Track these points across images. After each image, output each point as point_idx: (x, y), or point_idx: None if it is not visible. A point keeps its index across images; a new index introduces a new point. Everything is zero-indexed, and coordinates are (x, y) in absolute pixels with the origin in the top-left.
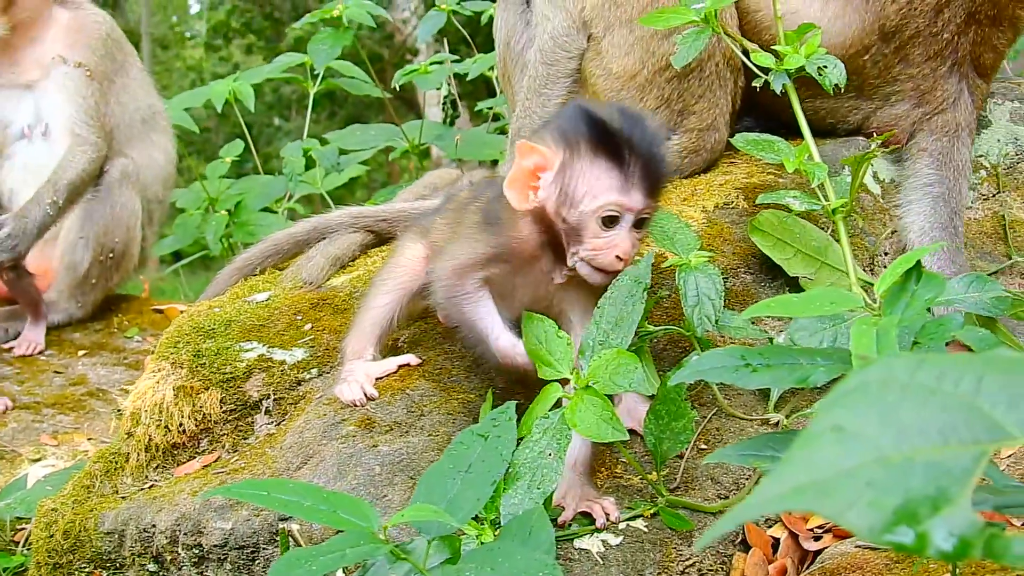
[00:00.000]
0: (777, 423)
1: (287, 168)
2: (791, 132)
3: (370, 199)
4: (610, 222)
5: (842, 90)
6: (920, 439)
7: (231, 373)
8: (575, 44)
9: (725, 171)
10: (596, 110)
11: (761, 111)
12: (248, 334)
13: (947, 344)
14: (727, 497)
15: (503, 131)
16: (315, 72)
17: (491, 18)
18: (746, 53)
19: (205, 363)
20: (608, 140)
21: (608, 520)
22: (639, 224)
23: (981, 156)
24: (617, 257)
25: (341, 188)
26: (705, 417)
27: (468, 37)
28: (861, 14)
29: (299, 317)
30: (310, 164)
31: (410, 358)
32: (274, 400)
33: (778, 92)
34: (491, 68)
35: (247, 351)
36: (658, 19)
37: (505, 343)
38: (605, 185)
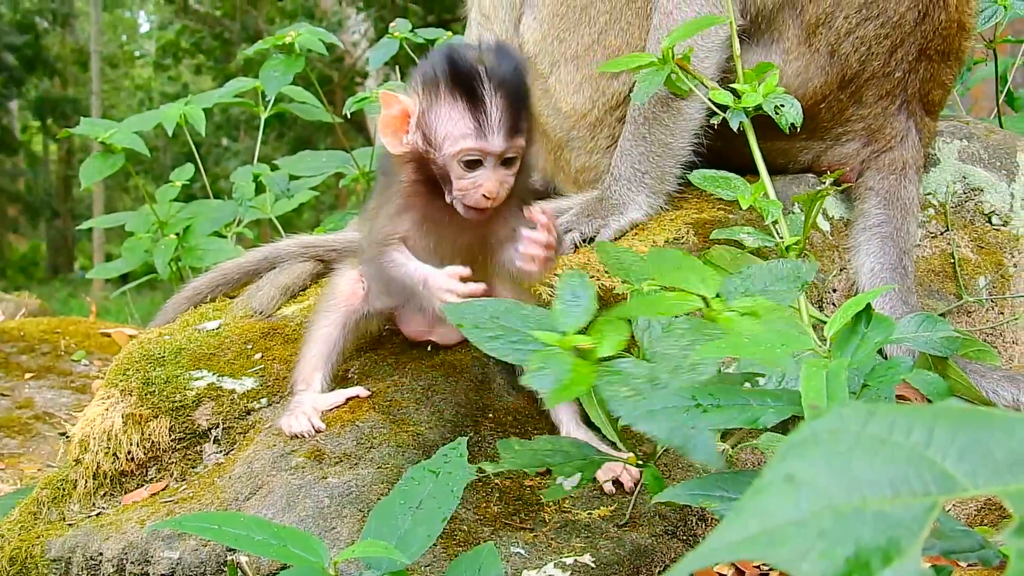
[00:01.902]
0: (723, 452)
1: (237, 193)
2: (740, 174)
3: (319, 223)
4: (472, 165)
5: (798, 130)
6: (871, 490)
7: (180, 401)
8: None
9: (676, 206)
10: (458, 51)
11: (711, 152)
12: (198, 362)
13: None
14: (675, 533)
15: None
16: (266, 97)
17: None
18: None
19: (155, 391)
20: (465, 82)
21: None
22: (507, 163)
23: (929, 194)
24: (484, 196)
25: (290, 212)
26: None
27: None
28: (823, 70)
29: (249, 346)
30: (260, 189)
31: (359, 390)
32: (223, 429)
33: (735, 129)
34: None
35: (197, 379)
36: (617, 64)
37: (437, 278)
38: (461, 129)
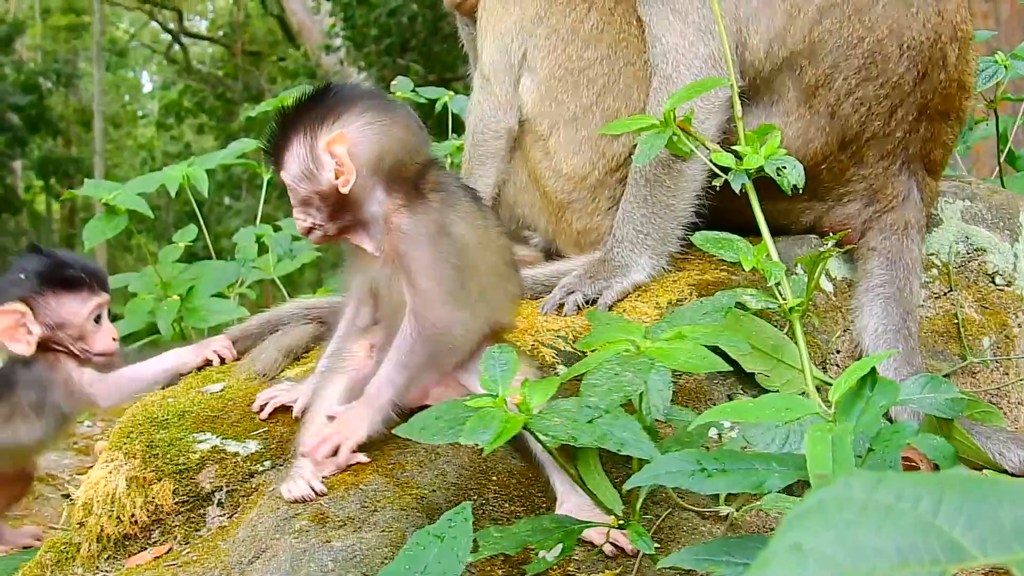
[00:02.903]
0: (727, 516)
1: (240, 253)
2: (741, 234)
3: (320, 283)
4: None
5: (800, 191)
6: (880, 558)
7: (184, 464)
8: (501, 124)
9: (678, 267)
10: None
11: (712, 214)
12: (202, 425)
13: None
14: None
15: None
16: None
17: (445, 106)
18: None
19: (158, 454)
20: None
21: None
22: (303, 201)
23: (932, 254)
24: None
25: (292, 272)
26: (659, 516)
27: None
28: (824, 131)
29: (253, 409)
30: (263, 249)
31: (360, 457)
32: (227, 492)
33: (737, 191)
34: (445, 156)
35: (200, 442)
36: (618, 127)
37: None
38: None
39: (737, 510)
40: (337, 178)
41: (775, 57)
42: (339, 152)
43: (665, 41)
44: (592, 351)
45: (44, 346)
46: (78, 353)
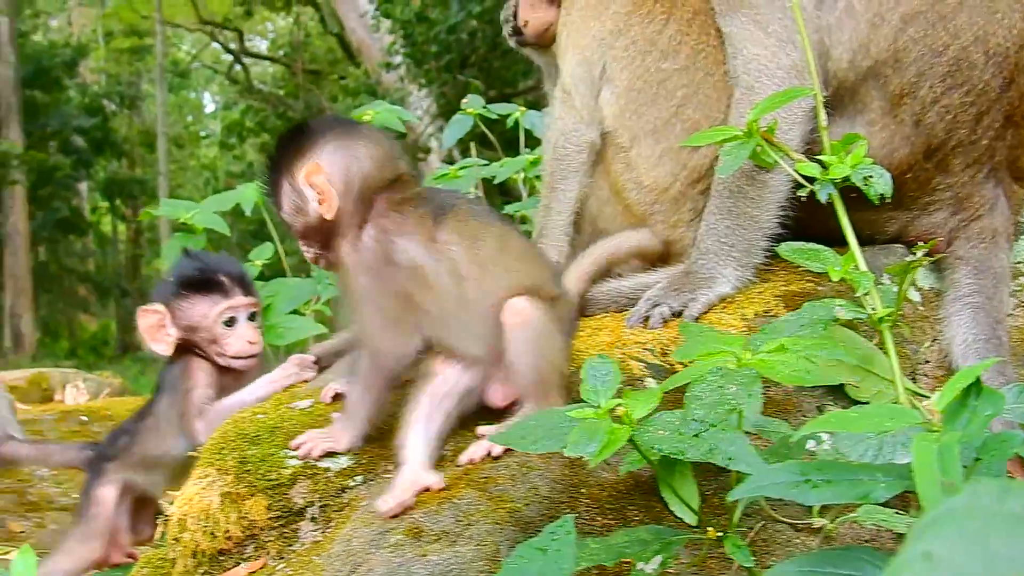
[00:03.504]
0: (821, 528)
1: (315, 271)
2: (824, 245)
3: None
4: None
5: (886, 201)
6: (1010, 566)
7: (276, 480)
8: (583, 138)
9: (763, 278)
10: None
11: (795, 224)
12: (292, 440)
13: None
14: None
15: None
16: None
17: (516, 122)
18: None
19: (251, 469)
20: None
21: None
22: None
23: (1020, 263)
24: None
25: None
26: (751, 528)
27: (494, 140)
28: (909, 140)
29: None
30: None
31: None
32: (319, 507)
33: (823, 201)
34: (519, 172)
35: (292, 458)
36: (701, 139)
37: None
38: None
39: (832, 522)
40: (321, 205)
41: (859, 66)
42: (317, 181)
43: (746, 52)
44: (690, 363)
45: (186, 349)
46: (214, 357)
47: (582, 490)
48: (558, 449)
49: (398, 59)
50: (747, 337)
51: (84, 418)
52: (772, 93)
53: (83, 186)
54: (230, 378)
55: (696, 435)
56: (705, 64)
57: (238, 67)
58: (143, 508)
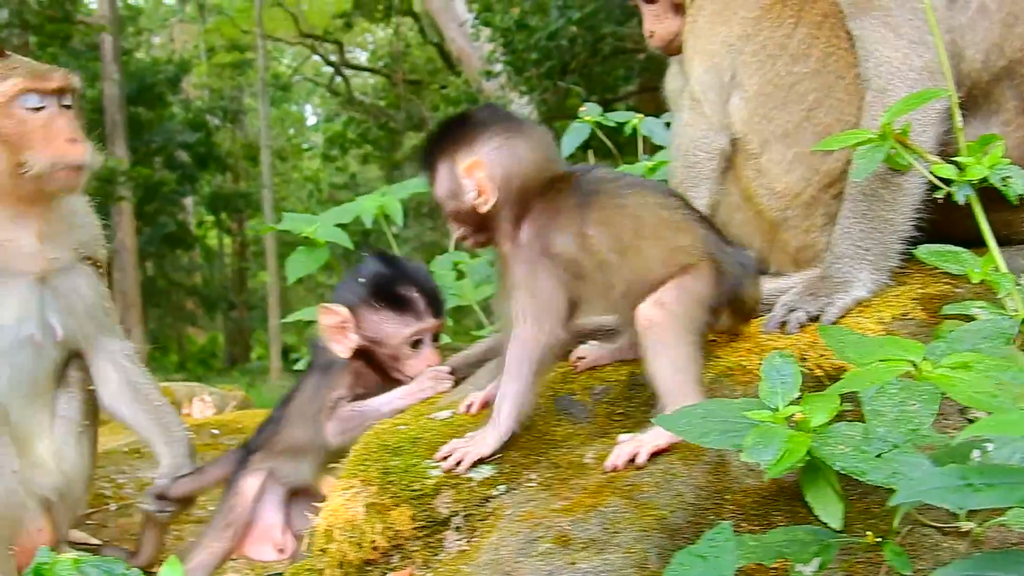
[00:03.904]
0: (968, 532)
1: (437, 281)
2: (960, 246)
3: None
4: None
5: None
6: None
7: (420, 490)
8: (713, 144)
9: (900, 281)
10: None
11: (929, 225)
12: (434, 451)
13: None
14: None
15: None
16: None
17: (634, 129)
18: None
19: (394, 480)
20: None
21: None
22: None
23: None
24: None
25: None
26: (899, 532)
27: (612, 148)
28: None
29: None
30: (459, 276)
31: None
32: (464, 516)
33: (961, 202)
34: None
35: (434, 468)
36: (834, 142)
37: None
38: None
39: (979, 525)
40: (478, 198)
41: (992, 67)
42: (478, 176)
43: (878, 54)
44: (856, 367)
45: (361, 352)
46: (391, 372)
47: (726, 496)
48: (729, 447)
49: (498, 67)
50: (925, 345)
51: (215, 431)
52: (905, 95)
53: (188, 201)
54: (386, 385)
55: (879, 455)
56: (836, 67)
57: (339, 79)
58: (300, 502)
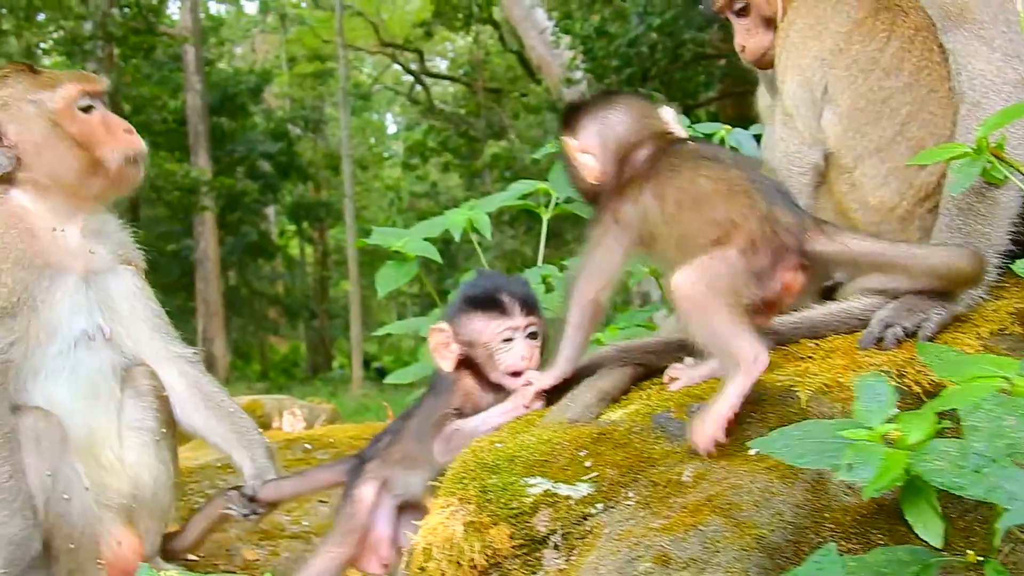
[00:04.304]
0: None
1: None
2: None
3: (608, 322)
4: None
5: None
6: None
7: (518, 508)
8: (806, 160)
9: (996, 296)
10: None
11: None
12: (532, 469)
13: None
14: None
15: None
16: (551, 199)
17: (722, 139)
18: None
19: (491, 498)
20: None
21: None
22: None
23: None
24: None
25: None
26: (1000, 550)
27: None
28: None
29: (582, 452)
30: (548, 290)
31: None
32: (562, 535)
33: None
34: None
35: (532, 486)
36: (928, 157)
37: None
38: None
39: None
40: (586, 170)
41: None
42: (581, 153)
43: (971, 68)
44: (953, 383)
45: (465, 364)
46: (489, 374)
47: (825, 514)
48: (826, 467)
49: (579, 74)
50: (1021, 360)
51: (307, 446)
52: (999, 108)
53: (270, 210)
54: (496, 400)
55: (977, 471)
56: (929, 81)
57: (419, 88)
58: (407, 517)
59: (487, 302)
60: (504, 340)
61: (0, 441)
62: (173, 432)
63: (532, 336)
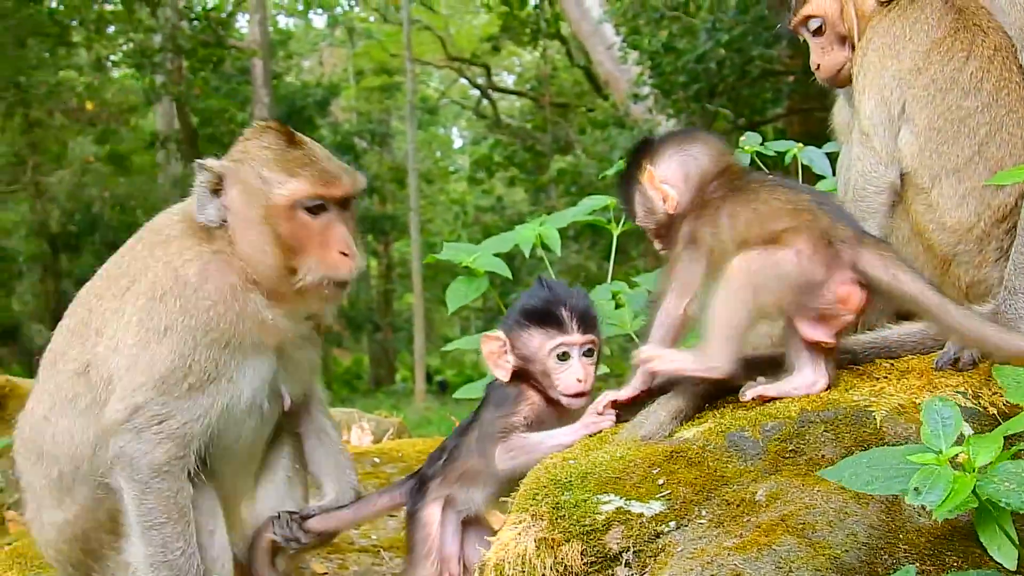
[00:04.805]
0: None
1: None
2: None
3: None
4: None
5: None
6: None
7: (590, 525)
8: (883, 179)
9: None
10: None
11: None
12: (605, 486)
13: None
14: None
15: None
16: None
17: (794, 158)
18: None
19: (564, 515)
20: None
21: None
22: None
23: None
24: None
25: None
26: None
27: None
28: None
29: (654, 470)
30: (618, 306)
31: None
32: (634, 553)
33: None
34: None
35: (605, 503)
36: (1007, 177)
37: None
38: None
39: None
40: (665, 203)
41: None
42: (659, 184)
43: None
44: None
45: (522, 376)
46: (547, 390)
47: (899, 536)
48: (894, 492)
49: (646, 90)
50: None
51: (376, 460)
52: None
53: None
54: (556, 413)
55: None
56: (1008, 101)
57: (485, 102)
58: (471, 533)
59: (545, 316)
60: (559, 357)
61: (176, 516)
62: (305, 469)
63: (588, 353)
